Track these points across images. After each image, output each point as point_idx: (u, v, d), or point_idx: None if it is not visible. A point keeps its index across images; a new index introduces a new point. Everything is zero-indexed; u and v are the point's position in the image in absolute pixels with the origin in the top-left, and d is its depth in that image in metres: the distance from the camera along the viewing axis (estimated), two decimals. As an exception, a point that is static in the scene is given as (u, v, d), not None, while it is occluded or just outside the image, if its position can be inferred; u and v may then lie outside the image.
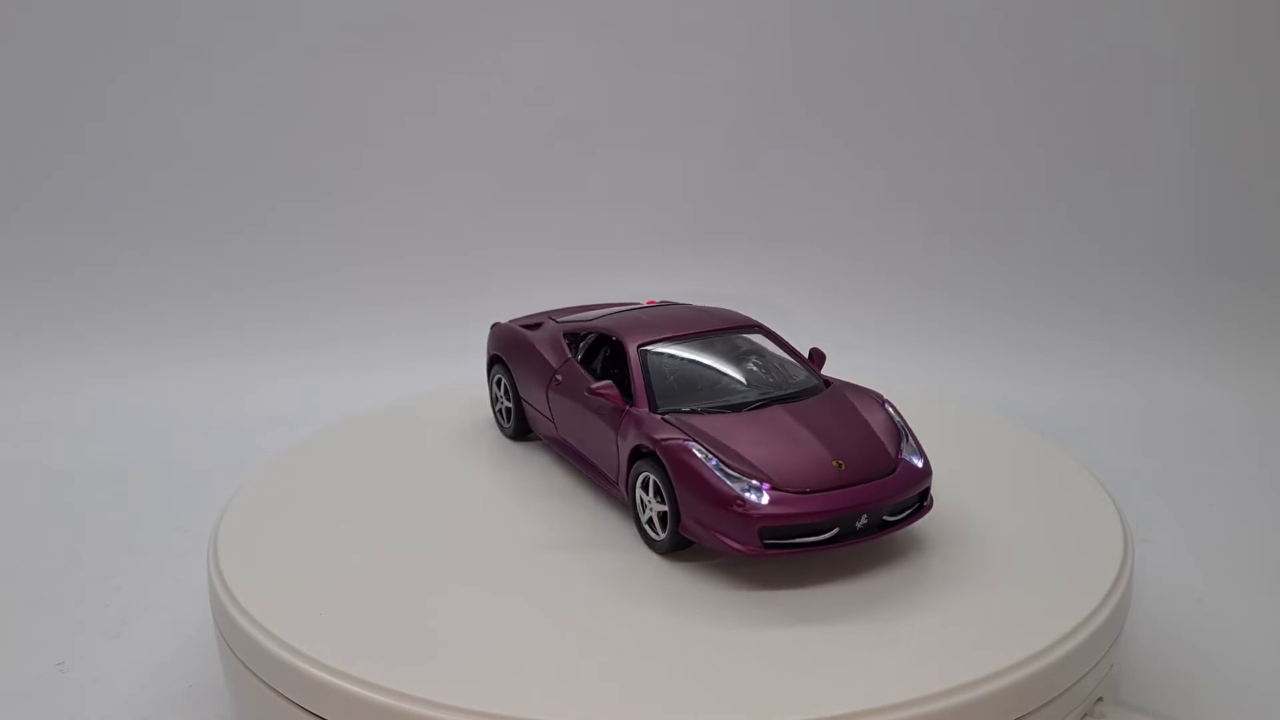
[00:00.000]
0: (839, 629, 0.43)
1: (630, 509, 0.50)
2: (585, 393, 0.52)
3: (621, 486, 0.51)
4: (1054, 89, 1.01)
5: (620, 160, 1.03)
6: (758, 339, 0.56)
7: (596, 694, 0.39)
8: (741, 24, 1.01)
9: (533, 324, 0.62)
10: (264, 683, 0.43)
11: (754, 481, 0.45)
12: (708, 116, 1.03)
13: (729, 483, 0.45)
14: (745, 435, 0.48)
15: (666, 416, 0.49)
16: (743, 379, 0.53)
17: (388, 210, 1.02)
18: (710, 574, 0.47)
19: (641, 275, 1.01)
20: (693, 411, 0.49)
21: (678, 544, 0.48)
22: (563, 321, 0.60)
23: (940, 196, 1.03)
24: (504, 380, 0.61)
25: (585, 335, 0.57)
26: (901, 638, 0.42)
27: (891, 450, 0.49)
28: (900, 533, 0.49)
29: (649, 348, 0.53)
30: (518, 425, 0.61)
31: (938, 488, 0.53)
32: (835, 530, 0.46)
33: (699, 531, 0.46)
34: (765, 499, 0.45)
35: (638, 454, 0.49)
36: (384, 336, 0.99)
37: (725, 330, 0.55)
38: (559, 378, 0.56)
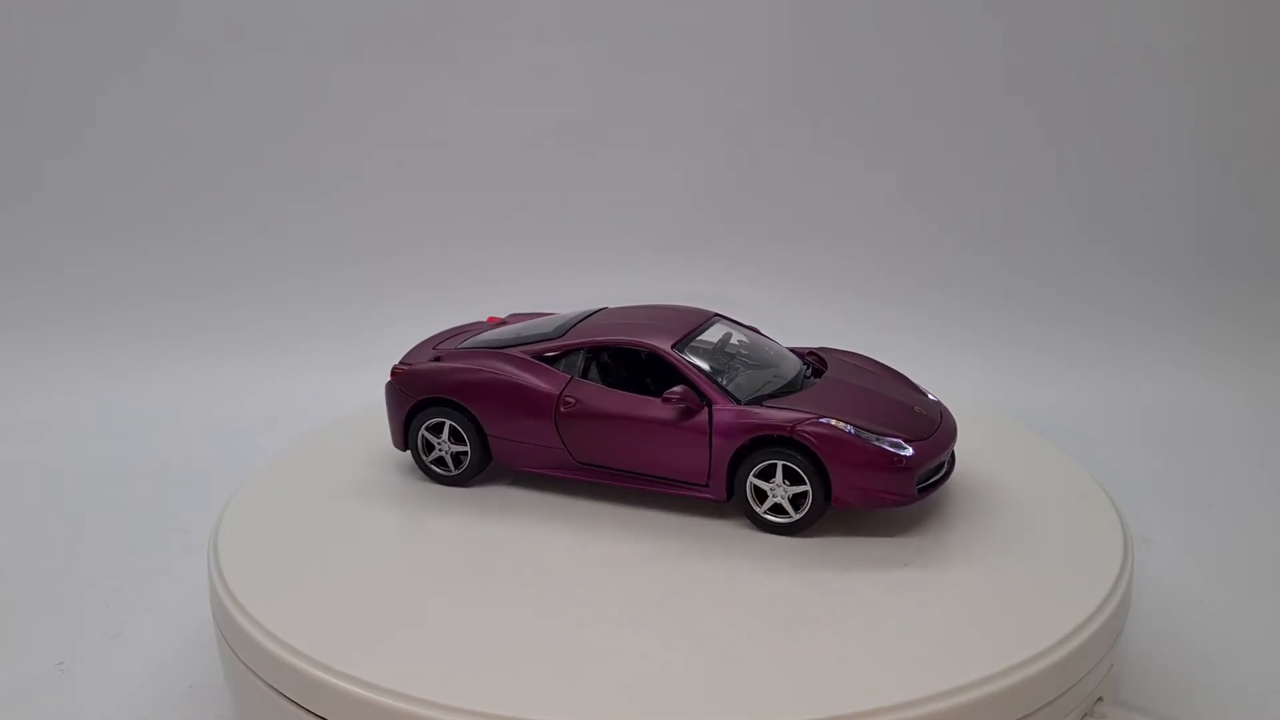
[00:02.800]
0: (839, 629, 0.43)
1: (736, 503, 0.51)
2: (661, 401, 0.51)
3: (719, 485, 0.51)
4: (1054, 89, 1.01)
5: (620, 160, 1.03)
6: (728, 326, 0.57)
7: (596, 694, 0.39)
8: (741, 24, 1.01)
9: (433, 359, 0.57)
10: (264, 682, 0.43)
11: (892, 439, 0.49)
12: (706, 117, 1.03)
13: (879, 444, 0.49)
14: (841, 403, 0.51)
15: (765, 404, 0.50)
16: (767, 361, 0.55)
17: (388, 210, 1.02)
18: (709, 575, 0.47)
19: (643, 275, 1.01)
20: (773, 394, 0.52)
21: (817, 518, 0.50)
22: (507, 348, 0.56)
23: (940, 196, 1.03)
24: (449, 424, 0.55)
25: (566, 354, 0.54)
26: (901, 638, 0.42)
27: (927, 394, 0.55)
28: (898, 534, 0.50)
29: (679, 349, 0.53)
30: (475, 467, 0.55)
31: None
32: (944, 469, 0.52)
33: (855, 496, 0.49)
34: (911, 450, 0.49)
35: (746, 448, 0.50)
36: (384, 336, 0.98)
37: (707, 323, 0.56)
38: (570, 400, 0.53)
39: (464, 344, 0.58)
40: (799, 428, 0.49)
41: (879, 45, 1.01)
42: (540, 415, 0.53)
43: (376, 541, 0.50)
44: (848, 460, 0.49)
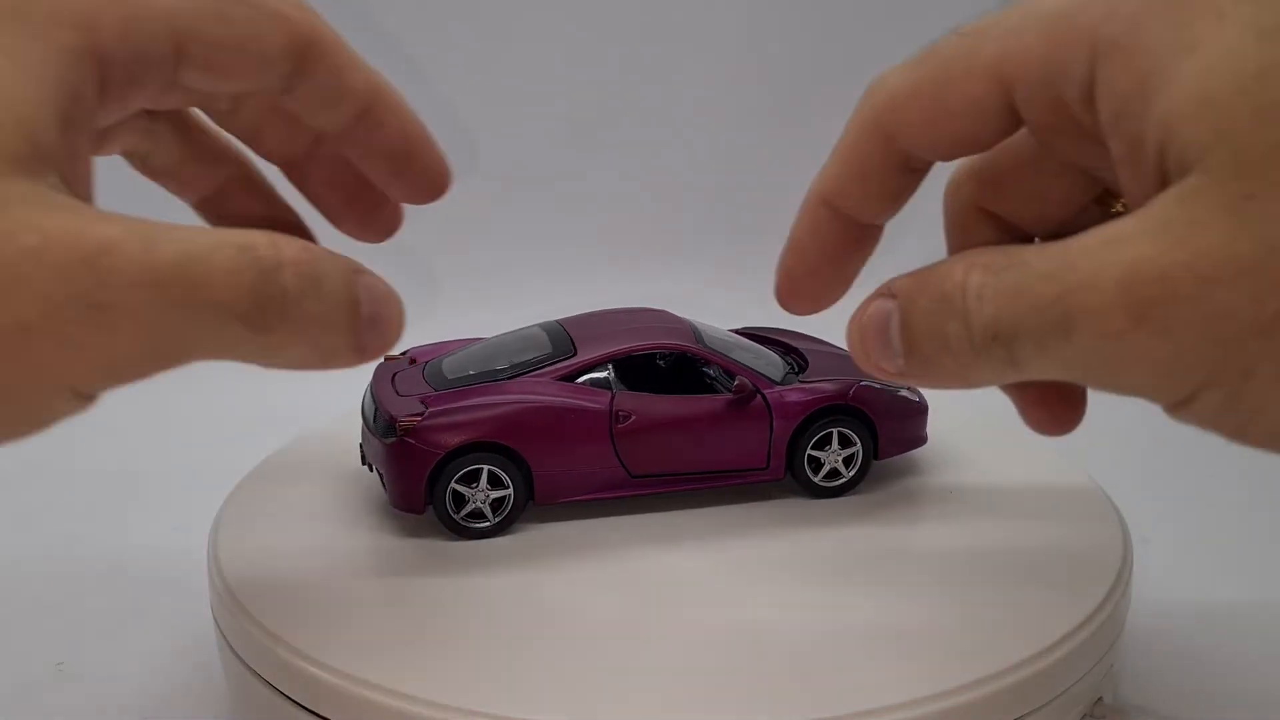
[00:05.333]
0: (838, 629, 0.43)
1: (794, 479, 0.53)
2: (733, 393, 0.52)
3: (779, 464, 0.53)
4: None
5: (622, 159, 1.03)
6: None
7: (596, 694, 0.39)
8: (741, 22, 1.01)
9: (425, 406, 0.51)
10: (264, 682, 0.43)
11: (905, 389, 0.55)
12: (705, 116, 1.03)
13: (904, 395, 0.55)
14: (848, 368, 0.55)
15: (803, 381, 0.54)
16: (739, 346, 0.56)
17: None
18: (709, 574, 0.47)
19: (641, 274, 1.01)
20: (800, 368, 0.56)
21: (865, 475, 0.54)
22: (519, 376, 0.52)
23: (940, 195, 1.03)
24: (487, 470, 0.50)
25: (591, 368, 0.52)
26: (901, 638, 0.42)
27: None
28: (899, 534, 0.51)
29: (701, 345, 0.54)
30: (518, 510, 0.51)
31: (936, 488, 0.54)
32: None
33: (896, 447, 0.55)
34: (919, 396, 0.56)
35: (805, 424, 0.53)
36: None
37: (686, 320, 0.57)
38: (624, 414, 0.51)
39: (447, 383, 0.53)
40: (852, 394, 0.53)
41: (878, 43, 1.01)
42: (596, 437, 0.51)
43: (376, 540, 0.50)
44: (890, 415, 0.54)
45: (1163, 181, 0.27)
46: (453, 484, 0.50)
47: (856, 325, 0.34)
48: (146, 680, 0.57)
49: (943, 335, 0.31)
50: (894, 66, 0.35)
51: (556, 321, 0.56)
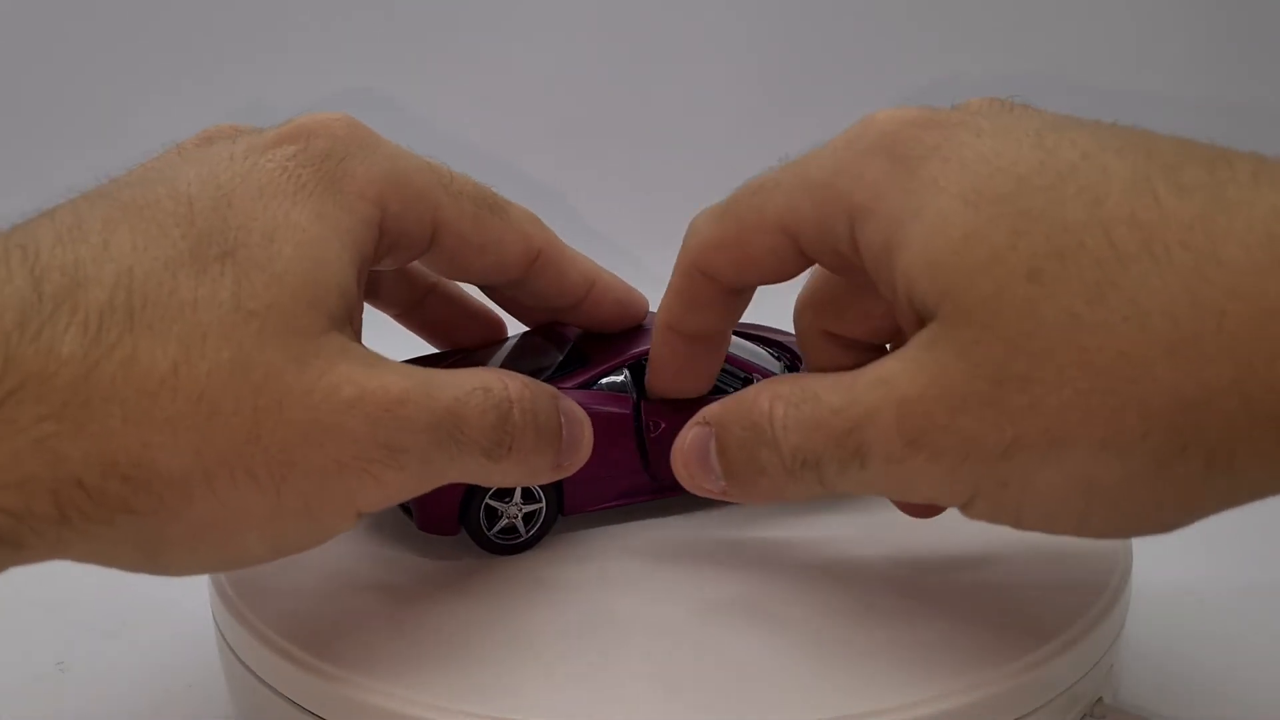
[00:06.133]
0: (837, 630, 0.43)
1: None
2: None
3: None
4: (1055, 86, 1.01)
5: (615, 160, 1.03)
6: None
7: (596, 695, 0.39)
8: (740, 23, 1.01)
9: None
10: (263, 682, 0.43)
11: None
12: (701, 115, 1.03)
13: None
14: None
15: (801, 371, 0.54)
16: (744, 341, 0.57)
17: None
18: (710, 577, 0.47)
19: (641, 274, 1.01)
20: (794, 364, 0.56)
21: None
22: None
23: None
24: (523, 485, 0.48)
25: (609, 373, 0.50)
26: (900, 638, 0.42)
27: None
28: (898, 532, 0.50)
29: None
30: (549, 523, 0.49)
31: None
32: None
33: None
34: None
35: None
36: (384, 333, 0.99)
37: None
38: (652, 422, 0.49)
39: None
40: None
41: (879, 43, 1.01)
42: (623, 442, 0.49)
43: (376, 541, 0.50)
44: None
45: (918, 321, 0.33)
46: (487, 500, 0.48)
47: (679, 452, 0.40)
48: (146, 680, 0.57)
49: (757, 461, 0.36)
50: (703, 213, 0.41)
51: (550, 325, 0.54)
